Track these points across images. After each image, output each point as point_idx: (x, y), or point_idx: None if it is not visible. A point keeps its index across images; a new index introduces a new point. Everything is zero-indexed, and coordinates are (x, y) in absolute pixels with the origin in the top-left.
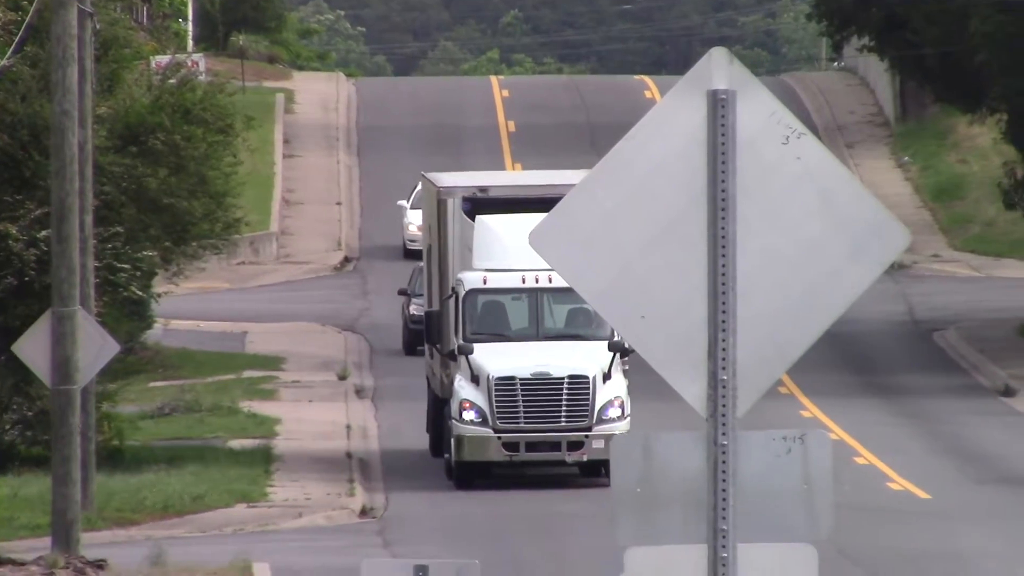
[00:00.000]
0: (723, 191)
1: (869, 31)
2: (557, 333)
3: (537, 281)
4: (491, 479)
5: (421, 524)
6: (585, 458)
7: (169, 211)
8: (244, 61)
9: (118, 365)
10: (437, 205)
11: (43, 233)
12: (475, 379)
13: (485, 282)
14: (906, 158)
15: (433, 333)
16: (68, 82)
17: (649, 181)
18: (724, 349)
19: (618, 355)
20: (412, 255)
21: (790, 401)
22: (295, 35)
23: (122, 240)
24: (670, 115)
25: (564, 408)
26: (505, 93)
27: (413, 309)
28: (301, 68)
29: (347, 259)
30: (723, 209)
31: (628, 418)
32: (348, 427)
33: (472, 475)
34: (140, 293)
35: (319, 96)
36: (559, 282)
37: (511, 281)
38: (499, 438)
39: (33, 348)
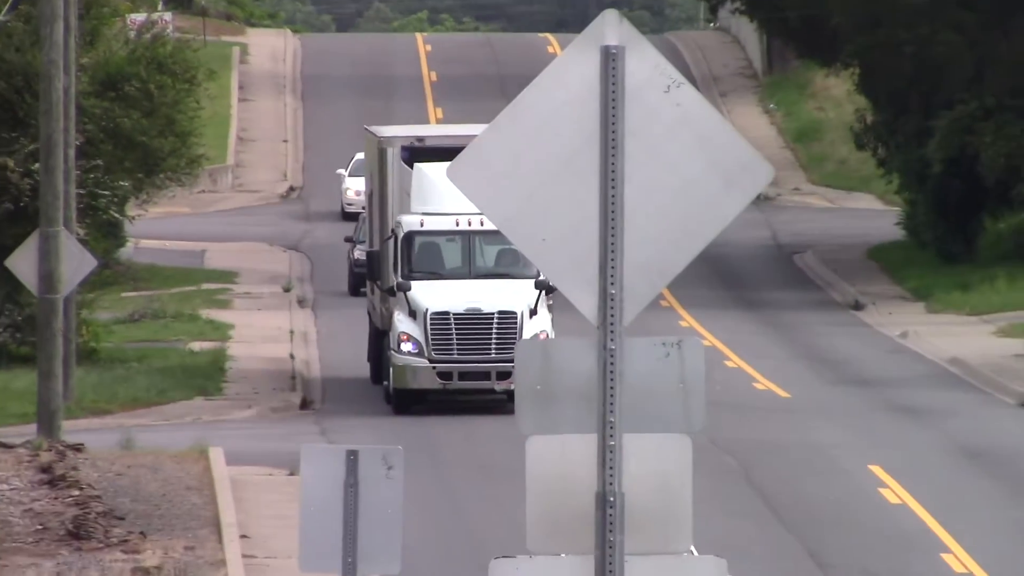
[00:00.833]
0: (613, 132)
1: None
2: (488, 272)
3: (470, 224)
4: (426, 404)
5: (354, 415)
6: (512, 386)
7: (141, 148)
8: (205, 19)
9: (96, 278)
10: (378, 154)
11: (36, 165)
12: (412, 314)
13: (422, 224)
14: (772, 105)
15: (375, 271)
16: (55, 36)
17: (550, 123)
18: (613, 267)
19: (543, 292)
20: (349, 217)
21: (670, 313)
22: None
23: (101, 171)
24: (568, 67)
25: (494, 341)
26: (428, 48)
27: (357, 254)
28: (254, 25)
29: (292, 188)
30: (613, 148)
31: None
32: (291, 332)
33: (409, 401)
34: (116, 216)
35: (269, 49)
36: (490, 225)
37: (446, 224)
38: (434, 368)
39: (23, 262)
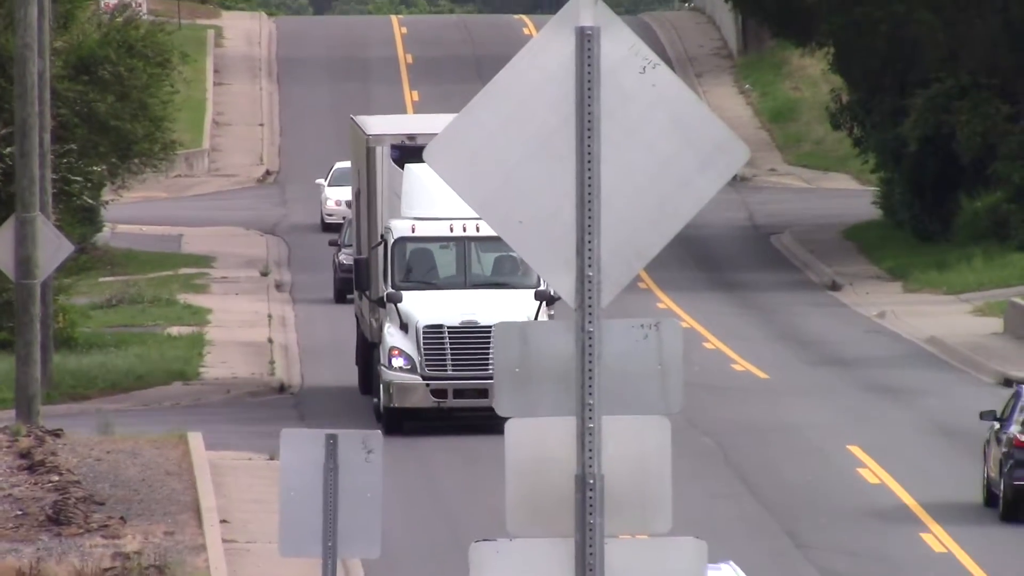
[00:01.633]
0: (589, 114)
1: None
2: (484, 281)
3: (465, 230)
4: (420, 421)
5: (332, 398)
6: None
7: (115, 132)
8: (180, 1)
9: (72, 263)
10: (366, 152)
11: (8, 149)
12: (404, 327)
13: (413, 230)
14: (747, 85)
15: (362, 280)
16: (29, 19)
17: (526, 104)
18: (590, 249)
19: (544, 303)
20: (330, 228)
21: (648, 295)
22: None
23: (75, 156)
24: (544, 48)
25: (491, 356)
26: (404, 30)
27: (343, 258)
28: (228, 8)
29: (268, 172)
30: (589, 129)
31: None
32: (269, 316)
33: (400, 420)
34: (91, 201)
35: (244, 32)
36: (487, 231)
37: (439, 229)
38: (427, 385)
39: None
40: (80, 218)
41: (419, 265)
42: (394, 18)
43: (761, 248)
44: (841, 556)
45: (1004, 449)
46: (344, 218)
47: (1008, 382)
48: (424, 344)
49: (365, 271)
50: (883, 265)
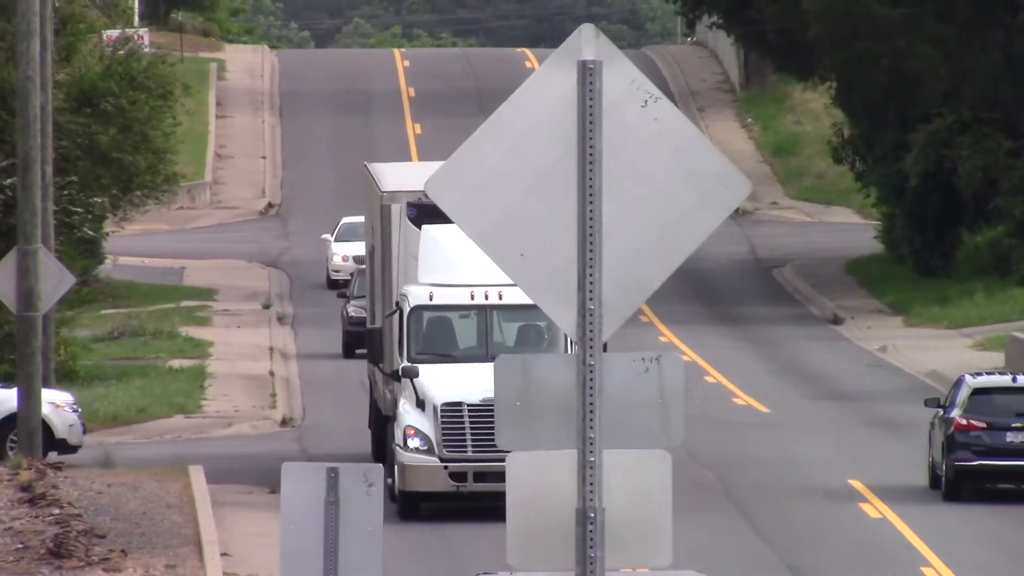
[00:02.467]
0: (591, 147)
1: (718, 10)
2: (508, 353)
3: (487, 298)
4: (437, 502)
5: (333, 431)
6: None
7: (117, 164)
8: (182, 35)
9: (74, 295)
10: (380, 209)
11: (8, 181)
12: (420, 404)
13: (431, 298)
14: (749, 119)
15: (376, 351)
16: (31, 52)
17: (528, 138)
18: (591, 283)
19: None
20: (335, 285)
21: (649, 328)
22: (226, 13)
23: (77, 188)
24: (546, 82)
25: None
26: (406, 63)
27: (352, 311)
28: (231, 41)
29: (270, 205)
30: (591, 163)
31: None
32: (271, 349)
33: (416, 502)
34: (92, 233)
35: (247, 65)
36: (510, 299)
37: (459, 297)
38: (446, 467)
39: (2, 280)
40: (82, 250)
41: (437, 336)
42: (396, 51)
43: (763, 282)
44: None
45: (946, 432)
46: (351, 273)
47: None
48: (442, 423)
49: (379, 341)
50: (885, 299)
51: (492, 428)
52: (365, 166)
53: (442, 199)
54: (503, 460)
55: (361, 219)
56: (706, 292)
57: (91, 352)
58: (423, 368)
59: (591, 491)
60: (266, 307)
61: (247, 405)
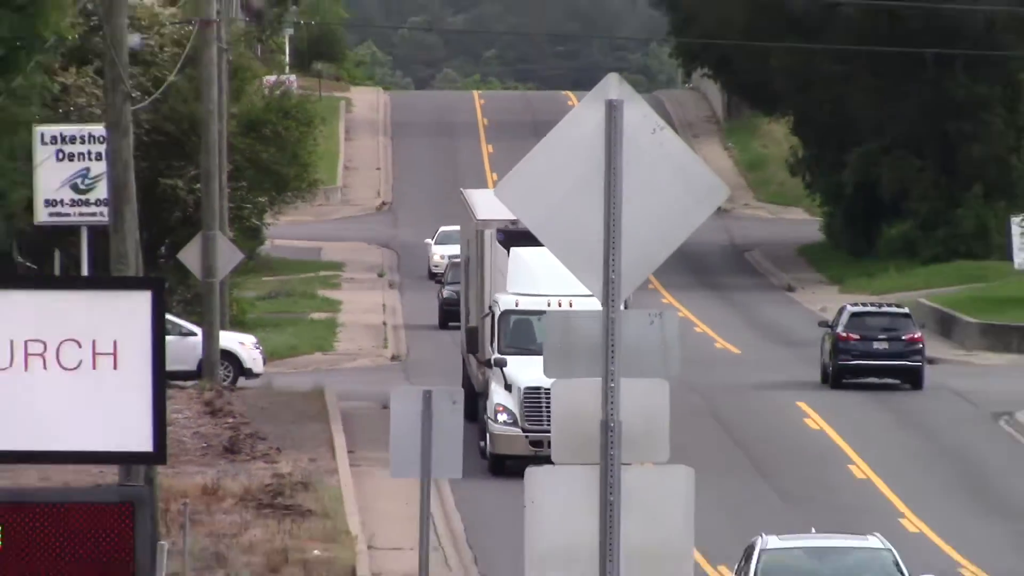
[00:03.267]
0: (614, 164)
1: (708, 64)
2: None
3: (560, 305)
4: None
5: (431, 367)
6: None
7: (275, 174)
8: (320, 79)
9: (243, 268)
10: (476, 234)
11: (197, 185)
12: (508, 387)
13: (517, 304)
14: (729, 144)
15: (473, 344)
16: (211, 93)
17: (568, 156)
18: (613, 260)
19: None
20: (434, 277)
21: (655, 293)
22: (352, 63)
23: (245, 190)
24: (582, 115)
25: None
26: (482, 101)
27: (446, 293)
28: (356, 84)
29: (384, 203)
30: (614, 175)
31: None
32: (384, 306)
33: (503, 462)
34: (256, 223)
35: (368, 102)
36: (579, 305)
37: (539, 304)
38: (526, 436)
39: (190, 256)
40: (248, 235)
41: (521, 334)
42: (475, 93)
43: (737, 261)
44: (788, 478)
45: (832, 343)
46: (446, 267)
47: None
48: (525, 402)
49: (475, 337)
50: (826, 274)
51: None
52: (461, 192)
53: (507, 199)
54: None
55: (454, 228)
56: (696, 267)
57: (255, 307)
58: (510, 359)
59: (611, 408)
60: (380, 276)
61: (367, 345)
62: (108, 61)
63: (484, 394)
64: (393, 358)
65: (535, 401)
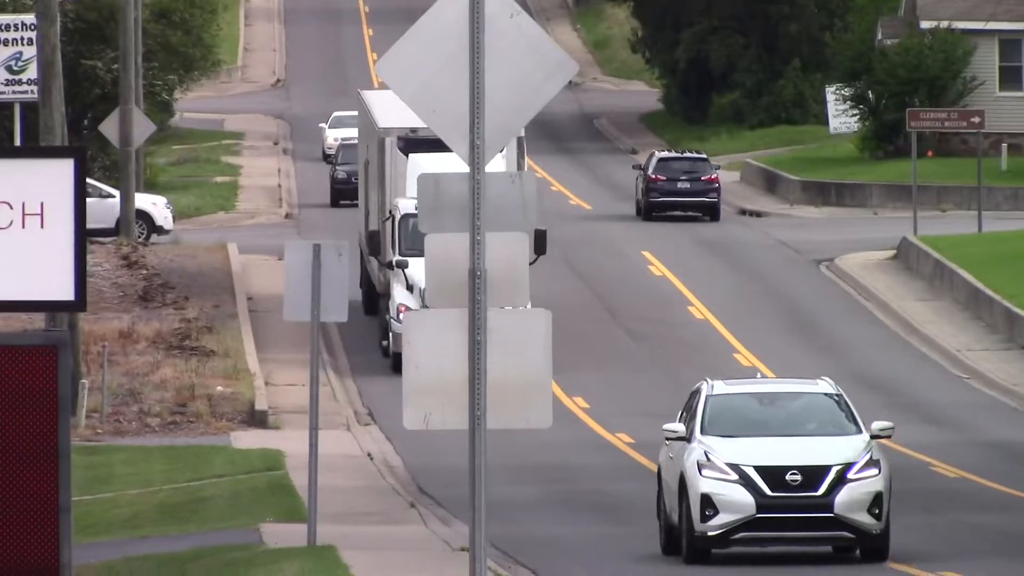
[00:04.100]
0: (477, 43)
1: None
2: None
3: None
4: None
5: (322, 227)
6: None
7: (183, 55)
8: None
9: (156, 138)
10: (378, 142)
11: (115, 66)
12: (409, 288)
13: (416, 208)
14: (579, 26)
15: (374, 247)
16: None
17: (439, 36)
18: (477, 127)
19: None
20: (327, 158)
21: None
22: None
23: (156, 69)
24: (450, 2)
25: None
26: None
27: (337, 174)
28: None
29: (278, 80)
30: (477, 53)
31: None
32: (279, 170)
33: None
34: (167, 98)
35: None
36: None
37: None
38: None
39: (109, 127)
40: (160, 109)
41: (421, 237)
42: None
43: (586, 128)
44: (636, 320)
45: (644, 183)
46: (337, 148)
47: (742, 211)
48: (427, 303)
49: (377, 240)
50: (664, 138)
51: None
52: (359, 92)
53: (386, 74)
54: None
55: (347, 113)
56: (552, 134)
57: (166, 172)
58: (412, 261)
59: (478, 258)
60: (275, 144)
61: (265, 205)
62: None
63: (386, 295)
64: (287, 216)
65: None
